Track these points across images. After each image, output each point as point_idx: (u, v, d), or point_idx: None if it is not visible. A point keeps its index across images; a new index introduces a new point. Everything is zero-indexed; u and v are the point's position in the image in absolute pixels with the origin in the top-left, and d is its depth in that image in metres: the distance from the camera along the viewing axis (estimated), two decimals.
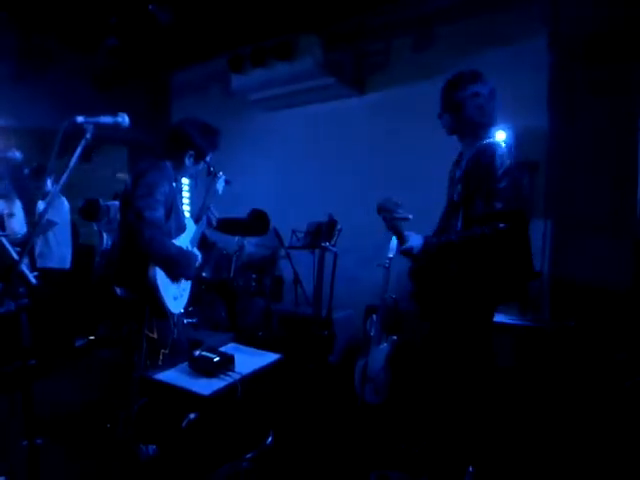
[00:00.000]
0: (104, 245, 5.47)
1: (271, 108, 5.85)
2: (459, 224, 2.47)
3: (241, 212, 5.11)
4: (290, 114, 5.85)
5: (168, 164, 2.84)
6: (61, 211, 5.06)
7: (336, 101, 5.47)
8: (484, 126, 2.52)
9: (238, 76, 5.29)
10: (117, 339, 4.36)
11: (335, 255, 4.39)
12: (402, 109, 4.93)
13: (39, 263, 4.82)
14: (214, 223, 3.09)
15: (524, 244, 2.49)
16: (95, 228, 5.62)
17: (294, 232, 4.81)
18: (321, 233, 4.50)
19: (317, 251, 4.51)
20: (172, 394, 2.39)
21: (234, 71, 5.27)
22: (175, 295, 2.81)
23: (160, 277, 2.66)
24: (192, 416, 2.32)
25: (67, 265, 5.06)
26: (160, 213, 2.62)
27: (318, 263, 4.42)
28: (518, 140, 3.94)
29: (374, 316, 3.85)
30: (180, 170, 2.89)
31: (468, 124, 2.53)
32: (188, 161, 2.87)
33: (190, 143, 2.83)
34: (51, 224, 4.78)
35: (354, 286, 4.93)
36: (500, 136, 3.45)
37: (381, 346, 3.76)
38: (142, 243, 2.54)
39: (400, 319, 3.98)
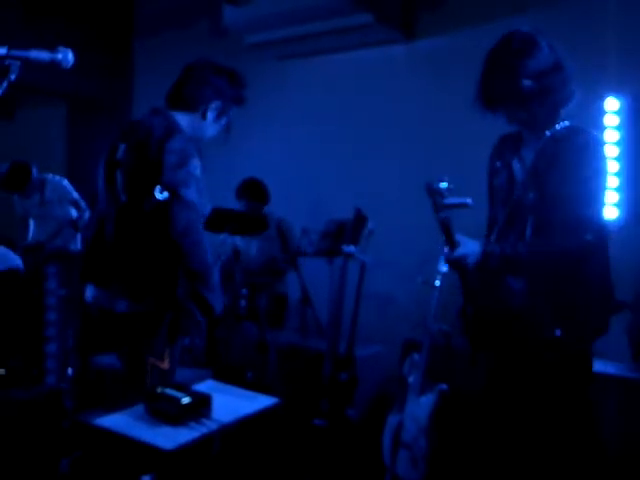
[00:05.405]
0: (30, 237, 5.47)
1: (279, 56, 5.91)
2: (528, 232, 2.56)
3: (231, 202, 5.12)
4: (307, 66, 5.91)
5: (184, 123, 2.89)
6: None
7: (373, 49, 5.50)
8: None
9: (234, 8, 5.32)
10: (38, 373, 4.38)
11: (363, 266, 4.38)
12: (468, 62, 4.87)
13: None
14: None
15: (605, 263, 2.62)
16: (18, 211, 5.63)
17: (306, 231, 4.84)
18: (344, 234, 4.49)
19: (337, 260, 4.50)
20: (119, 447, 2.39)
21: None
22: None
23: None
24: (146, 479, 2.33)
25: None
26: (195, 194, 2.68)
27: (338, 277, 4.39)
28: None
29: (415, 355, 3.82)
30: (197, 131, 2.95)
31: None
32: (211, 115, 2.94)
33: (218, 90, 2.92)
34: None
35: (388, 311, 4.97)
36: None
37: (424, 398, 3.72)
38: (176, 231, 2.61)
39: (453, 360, 3.97)
